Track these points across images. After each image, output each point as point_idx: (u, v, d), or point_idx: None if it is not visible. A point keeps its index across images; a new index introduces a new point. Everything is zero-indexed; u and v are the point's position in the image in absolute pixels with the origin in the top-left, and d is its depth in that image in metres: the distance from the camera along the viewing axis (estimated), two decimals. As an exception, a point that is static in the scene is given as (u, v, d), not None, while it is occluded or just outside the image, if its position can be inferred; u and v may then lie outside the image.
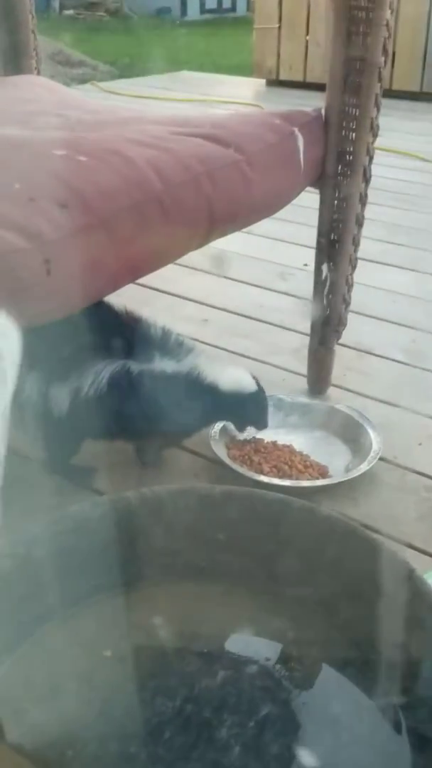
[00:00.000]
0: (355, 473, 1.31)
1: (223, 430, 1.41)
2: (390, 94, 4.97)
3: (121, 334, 1.25)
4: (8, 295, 0.87)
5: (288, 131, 1.30)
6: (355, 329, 1.71)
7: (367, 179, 1.38)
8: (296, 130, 1.31)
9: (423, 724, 0.84)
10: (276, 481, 1.29)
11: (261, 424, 1.38)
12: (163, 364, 1.25)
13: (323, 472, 1.34)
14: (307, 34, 5.30)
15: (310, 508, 1.00)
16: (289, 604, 1.00)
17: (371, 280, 2.14)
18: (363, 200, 1.41)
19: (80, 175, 1.01)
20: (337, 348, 1.60)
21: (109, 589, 0.98)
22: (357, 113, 1.34)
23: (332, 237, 1.45)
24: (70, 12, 13.16)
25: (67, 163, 1.03)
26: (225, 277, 2.25)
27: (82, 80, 6.16)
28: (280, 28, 5.45)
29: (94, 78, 6.30)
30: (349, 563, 0.96)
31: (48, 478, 1.31)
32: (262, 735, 0.85)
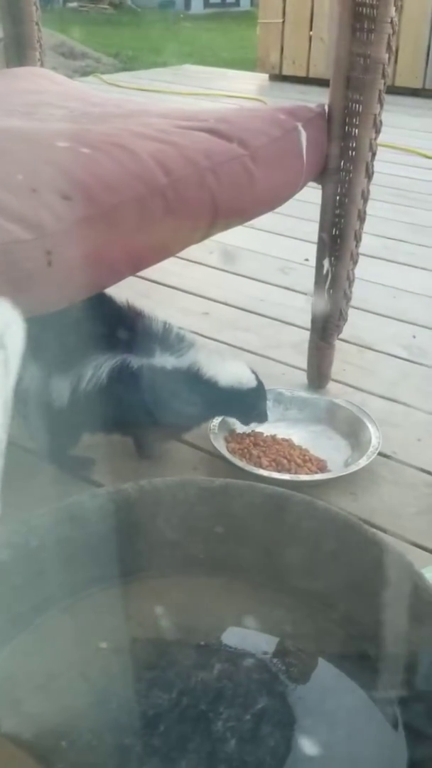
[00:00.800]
0: (354, 468, 1.32)
1: (223, 423, 1.41)
2: (393, 90, 5.00)
3: (123, 327, 1.25)
4: (10, 286, 0.87)
5: (291, 126, 1.30)
6: (355, 324, 1.71)
7: (369, 175, 1.38)
8: (300, 125, 1.31)
9: (420, 718, 0.85)
10: (275, 474, 1.29)
11: (261, 417, 1.38)
12: (164, 359, 1.25)
13: (322, 467, 1.35)
14: (311, 29, 5.29)
15: (308, 502, 1.00)
16: (286, 598, 1.00)
17: (372, 276, 2.15)
18: (365, 196, 1.40)
19: (83, 167, 1.01)
20: (337, 343, 1.60)
21: (106, 580, 0.98)
22: (360, 109, 1.34)
23: (334, 232, 1.45)
24: (74, 4, 13.14)
25: (71, 154, 1.03)
26: (226, 271, 2.25)
27: (85, 72, 6.15)
28: (284, 23, 5.44)
29: (97, 70, 6.29)
30: (346, 558, 0.96)
31: (47, 469, 1.31)
32: (258, 728, 0.85)
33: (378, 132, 1.36)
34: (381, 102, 1.33)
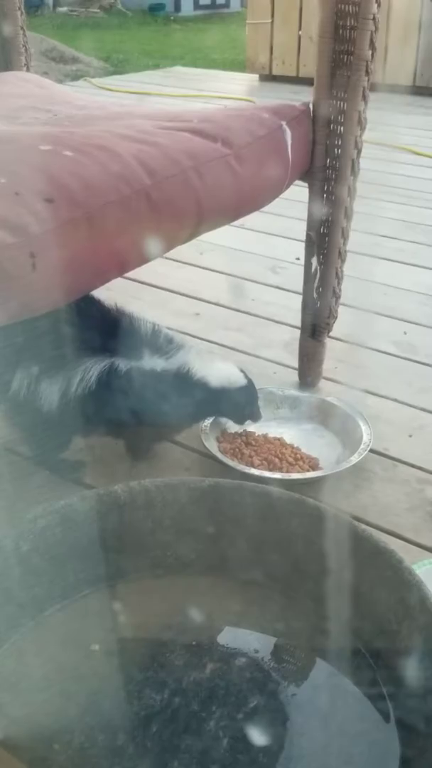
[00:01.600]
0: (345, 465, 1.31)
1: (214, 424, 1.41)
2: (383, 87, 4.99)
3: (112, 330, 1.25)
4: (-7, 289, 0.87)
5: (276, 125, 1.30)
6: (346, 322, 1.71)
7: (355, 172, 1.38)
8: (284, 124, 1.31)
9: (412, 714, 0.85)
10: (267, 474, 1.29)
11: (254, 416, 1.38)
12: (153, 361, 1.25)
13: (314, 465, 1.34)
14: (300, 28, 5.30)
15: (298, 500, 1.00)
16: (278, 596, 1.00)
17: (363, 273, 2.14)
18: (351, 193, 1.40)
19: (66, 169, 1.01)
20: (328, 341, 1.60)
21: (97, 582, 0.99)
22: (345, 107, 1.34)
23: (321, 230, 1.45)
24: (64, 9, 13.14)
25: (53, 157, 1.03)
26: (217, 271, 2.25)
27: (76, 77, 6.16)
28: (272, 23, 5.44)
29: (88, 74, 6.29)
30: (339, 555, 0.96)
31: (39, 472, 1.31)
32: (251, 727, 0.85)
33: (363, 129, 1.36)
34: (365, 99, 1.33)
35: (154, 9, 13.71)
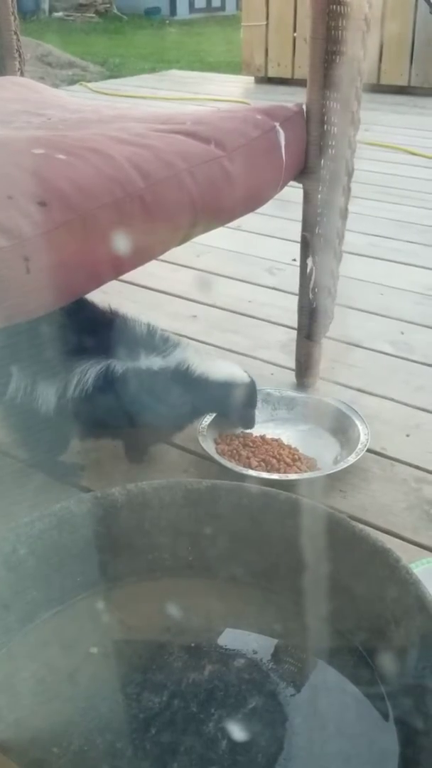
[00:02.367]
0: (343, 465, 1.32)
1: (212, 425, 1.41)
2: (378, 88, 5.03)
3: (107, 332, 1.25)
4: (-13, 293, 0.87)
5: (269, 126, 1.30)
6: (342, 322, 1.71)
7: (349, 172, 1.38)
8: (277, 125, 1.31)
9: (410, 713, 0.84)
10: (264, 475, 1.29)
11: (248, 422, 1.39)
12: (150, 361, 1.25)
13: (311, 465, 1.35)
14: (295, 30, 5.31)
15: (295, 501, 1.00)
16: (276, 597, 1.00)
17: (359, 273, 2.16)
18: (346, 193, 1.40)
19: (59, 172, 1.01)
20: (325, 341, 1.60)
21: (95, 585, 0.98)
22: (338, 107, 1.34)
23: (317, 231, 1.45)
24: (60, 14, 13.17)
25: (47, 161, 1.03)
26: (213, 273, 2.25)
27: (72, 81, 6.17)
28: (267, 25, 5.45)
29: (84, 79, 6.31)
30: (336, 555, 0.96)
31: (35, 475, 1.31)
32: (250, 728, 0.85)
33: (356, 129, 1.36)
34: (358, 99, 1.33)
35: (150, 13, 13.74)
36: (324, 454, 1.39)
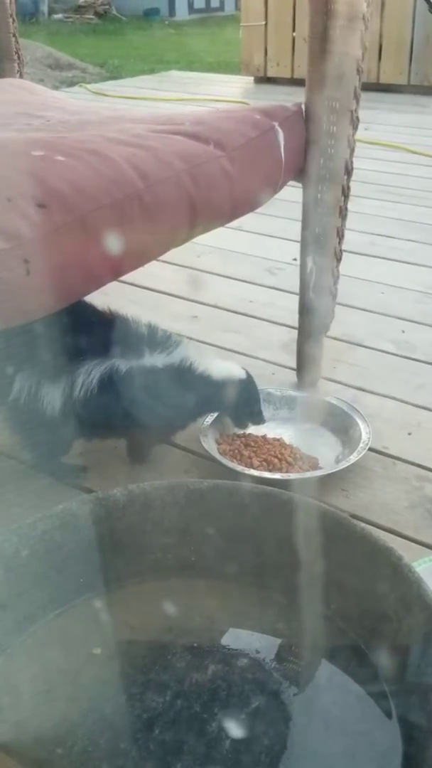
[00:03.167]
0: (344, 464, 1.32)
1: (213, 425, 1.41)
2: (378, 87, 5.03)
3: (108, 332, 1.25)
4: (-12, 295, 0.87)
5: (268, 126, 1.30)
6: (344, 321, 1.71)
7: (349, 171, 1.38)
8: (276, 124, 1.31)
9: (414, 711, 0.84)
10: (266, 474, 1.29)
11: (257, 418, 1.39)
12: (153, 359, 1.25)
13: (313, 465, 1.35)
14: (294, 30, 5.32)
15: (297, 500, 1.00)
16: (278, 596, 1.00)
17: (360, 272, 2.15)
18: (346, 192, 1.41)
19: (58, 174, 1.01)
20: (326, 340, 1.60)
21: (97, 586, 0.98)
22: (337, 106, 1.34)
23: (316, 230, 1.45)
24: (59, 16, 13.19)
25: (45, 163, 1.03)
26: (214, 273, 2.25)
27: (72, 83, 6.17)
28: (266, 25, 5.46)
29: (84, 80, 6.31)
30: (338, 554, 0.96)
31: (37, 477, 1.32)
32: (253, 727, 0.85)
33: (355, 128, 1.36)
34: (357, 98, 1.33)
35: (149, 14, 13.75)
36: (326, 454, 1.39)
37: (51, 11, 13.30)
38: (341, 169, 1.37)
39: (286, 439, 1.40)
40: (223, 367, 1.33)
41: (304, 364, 1.62)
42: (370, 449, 1.36)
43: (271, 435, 1.41)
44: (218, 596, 1.02)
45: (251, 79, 5.77)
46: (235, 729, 0.84)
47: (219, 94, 5.01)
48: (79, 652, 0.93)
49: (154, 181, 1.08)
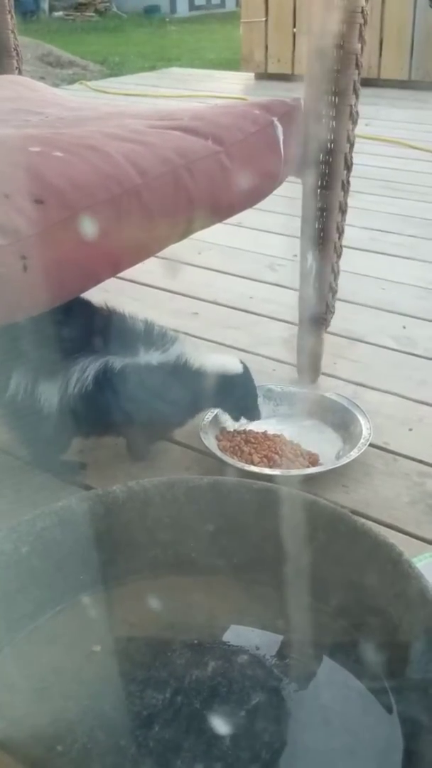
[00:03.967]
0: (345, 460, 1.31)
1: (213, 422, 1.41)
2: (378, 83, 5.02)
3: (105, 329, 1.25)
4: (-15, 292, 0.87)
5: (267, 121, 1.30)
6: (344, 317, 1.71)
7: (348, 166, 1.38)
8: (275, 119, 1.31)
9: (414, 707, 0.84)
10: (267, 470, 1.29)
11: (253, 414, 1.38)
12: (148, 356, 1.25)
13: (314, 461, 1.34)
14: (294, 26, 5.31)
15: (297, 496, 1.00)
16: (278, 593, 1.00)
17: (360, 268, 2.15)
18: (345, 187, 1.40)
19: (56, 170, 1.00)
20: (327, 336, 1.60)
21: (96, 583, 0.98)
22: (336, 101, 1.34)
23: (316, 225, 1.45)
24: (60, 13, 13.19)
25: (43, 159, 1.03)
26: (214, 270, 2.24)
27: (73, 80, 6.17)
28: (267, 21, 5.45)
29: (84, 78, 6.31)
30: (338, 550, 0.96)
31: (36, 474, 1.31)
32: (253, 724, 0.85)
33: (355, 123, 1.36)
34: (356, 93, 1.33)
35: (150, 11, 13.74)
36: (326, 450, 1.39)
37: (51, 9, 13.29)
38: (341, 164, 1.37)
39: (287, 436, 1.40)
40: (219, 362, 1.32)
41: (304, 360, 1.61)
42: (370, 445, 1.36)
43: (271, 431, 1.41)
44: (218, 593, 1.02)
45: (252, 75, 5.76)
46: (235, 725, 0.84)
47: (219, 91, 4.99)
48: (79, 650, 0.92)
49: (152, 177, 1.08)
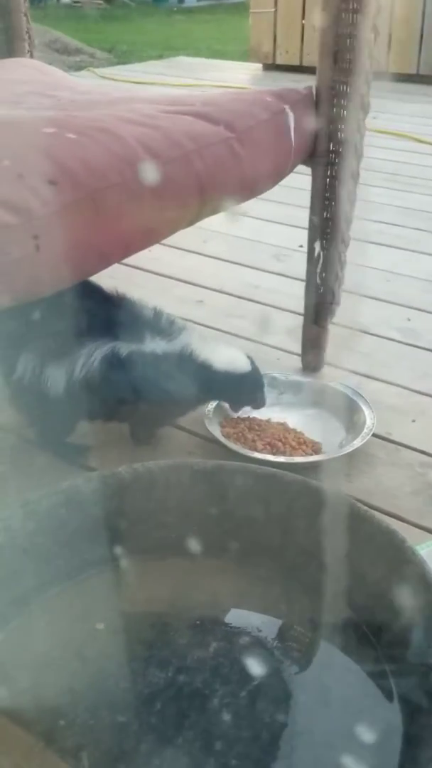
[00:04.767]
0: (348, 449, 1.32)
1: (218, 408, 1.41)
2: (386, 76, 4.99)
3: (113, 315, 1.25)
4: (-3, 270, 0.87)
5: (279, 109, 1.30)
6: (350, 308, 1.71)
7: (358, 156, 1.38)
8: (287, 107, 1.31)
9: (415, 691, 0.85)
10: (270, 457, 1.30)
11: (258, 402, 1.39)
12: (155, 344, 1.25)
13: (317, 449, 1.35)
14: (303, 17, 5.29)
15: (301, 481, 1.01)
16: (280, 577, 1.01)
17: (366, 260, 2.15)
18: (355, 177, 1.40)
19: (69, 152, 1.01)
20: (332, 327, 1.60)
21: (101, 563, 0.99)
22: (348, 90, 1.34)
23: (325, 215, 1.45)
24: (68, 1, 13.12)
25: (56, 140, 1.03)
26: (220, 259, 2.25)
27: (80, 68, 6.15)
28: (276, 12, 5.43)
29: (91, 65, 6.28)
30: (341, 535, 0.96)
31: (42, 456, 1.32)
32: (254, 704, 0.86)
33: (366, 113, 1.36)
34: (368, 82, 1.33)
35: (158, 0, 13.67)
36: (329, 438, 1.39)
37: (60, -5, 13.23)
38: (351, 154, 1.37)
39: (290, 424, 1.41)
40: (226, 357, 1.32)
41: (308, 349, 1.62)
42: (374, 435, 1.37)
43: (275, 419, 1.41)
44: (221, 576, 1.02)
45: (260, 66, 5.74)
46: (236, 705, 0.85)
47: (227, 81, 4.98)
48: (83, 627, 0.93)
49: (164, 161, 1.08)
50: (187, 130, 1.15)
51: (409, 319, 1.87)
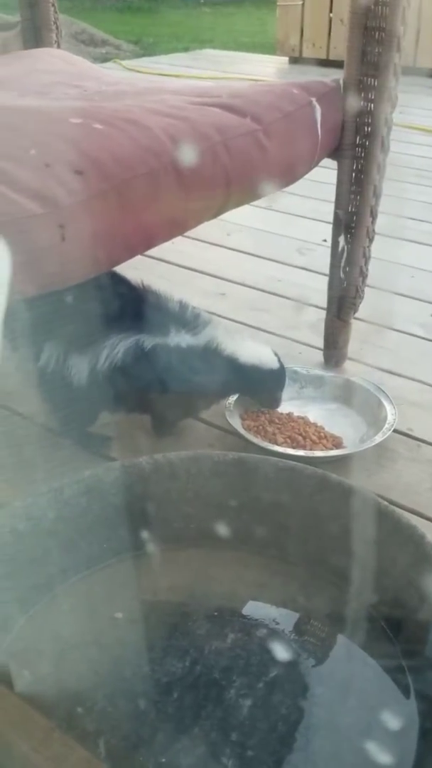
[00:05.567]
0: (369, 444, 1.31)
1: (239, 401, 1.41)
2: (413, 71, 4.95)
3: (138, 306, 1.26)
4: (23, 259, 0.88)
5: (306, 101, 1.29)
6: (373, 304, 1.70)
7: (385, 150, 1.37)
8: (314, 100, 1.30)
9: (431, 686, 0.85)
10: (290, 451, 1.29)
11: (274, 403, 1.39)
12: (180, 337, 1.25)
13: (337, 443, 1.35)
14: (331, 11, 5.26)
15: (321, 475, 1.01)
16: (299, 570, 1.01)
17: (391, 256, 2.13)
18: (381, 171, 1.40)
19: (96, 142, 1.01)
20: (354, 322, 1.59)
21: (121, 552, 1.00)
22: (376, 84, 1.33)
23: (350, 209, 1.44)
24: (94, -9, 13.10)
25: (83, 130, 1.03)
26: (243, 252, 2.24)
27: (106, 59, 6.15)
28: (303, 5, 5.40)
29: (117, 57, 6.29)
30: (360, 530, 0.96)
31: (63, 445, 1.33)
32: (271, 696, 0.86)
33: (394, 107, 1.35)
34: (396, 76, 1.32)
35: (184, -8, 13.63)
36: (350, 433, 1.39)
37: (86, -13, 13.22)
38: (377, 148, 1.36)
39: (311, 418, 1.40)
40: (253, 352, 1.32)
41: (331, 343, 1.61)
42: (394, 431, 1.36)
43: (296, 413, 1.41)
44: (240, 568, 1.03)
45: (286, 59, 5.72)
46: (252, 697, 0.85)
47: (253, 74, 4.97)
48: (102, 616, 0.94)
49: (190, 152, 1.08)
50: (213, 121, 1.15)
51: (432, 316, 1.87)
